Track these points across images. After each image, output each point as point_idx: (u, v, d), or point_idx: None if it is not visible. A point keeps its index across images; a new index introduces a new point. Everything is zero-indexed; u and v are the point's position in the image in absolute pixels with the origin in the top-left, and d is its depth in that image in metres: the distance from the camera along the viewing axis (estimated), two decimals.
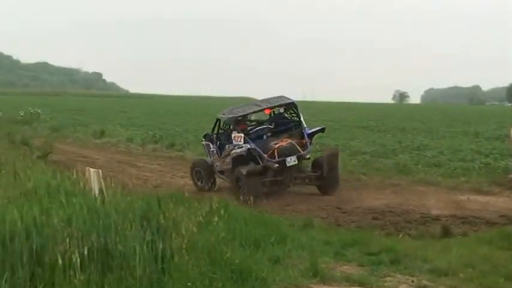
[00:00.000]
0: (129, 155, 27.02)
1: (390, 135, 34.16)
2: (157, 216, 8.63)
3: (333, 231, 12.67)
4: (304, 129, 18.32)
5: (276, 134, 18.43)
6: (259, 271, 8.27)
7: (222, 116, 19.18)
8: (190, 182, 19.42)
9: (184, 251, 8.12)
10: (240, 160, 17.53)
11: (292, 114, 19.03)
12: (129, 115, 55.15)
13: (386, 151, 25.81)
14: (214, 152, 19.09)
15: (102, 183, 9.73)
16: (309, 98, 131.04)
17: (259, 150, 17.21)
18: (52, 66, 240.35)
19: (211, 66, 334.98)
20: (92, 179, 9.76)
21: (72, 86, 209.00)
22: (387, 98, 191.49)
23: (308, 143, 17.95)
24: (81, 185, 10.69)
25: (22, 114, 44.40)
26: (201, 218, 9.98)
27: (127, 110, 63.75)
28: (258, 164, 17.25)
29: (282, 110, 19.10)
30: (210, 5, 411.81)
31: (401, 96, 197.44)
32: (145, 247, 7.84)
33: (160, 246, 7.97)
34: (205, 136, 20.08)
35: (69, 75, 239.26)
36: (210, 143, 19.42)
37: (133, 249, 7.69)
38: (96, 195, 9.43)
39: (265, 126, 19.03)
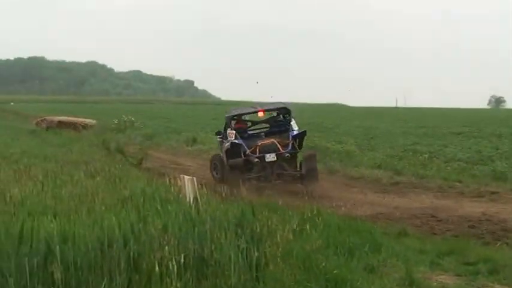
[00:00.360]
0: None
1: (486, 141, 33.23)
2: (251, 224, 8.62)
3: (427, 239, 12.40)
4: (291, 131, 20.30)
5: (269, 134, 21.04)
6: (354, 280, 8.18)
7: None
8: (282, 189, 19.37)
9: (279, 259, 8.10)
10: (231, 154, 19.74)
11: (286, 117, 21.27)
12: (221, 122, 55.39)
13: (482, 158, 25.11)
14: (222, 145, 21.10)
15: (197, 191, 9.79)
16: (401, 105, 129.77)
17: (243, 145, 19.64)
18: (145, 74, 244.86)
19: (303, 73, 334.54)
20: (187, 186, 9.83)
21: (164, 93, 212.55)
22: (483, 103, 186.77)
23: (291, 144, 19.92)
24: (176, 192, 10.82)
25: (116, 122, 45.12)
26: (294, 226, 9.93)
27: (219, 117, 64.20)
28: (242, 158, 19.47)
29: (275, 113, 22.22)
30: (301, 15, 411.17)
31: (498, 101, 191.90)
32: (239, 255, 7.86)
33: (255, 254, 7.97)
34: (218, 133, 22.07)
35: (162, 83, 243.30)
36: (223, 139, 21.30)
37: (228, 257, 7.71)
38: (191, 203, 9.49)
39: (261, 127, 22.15)
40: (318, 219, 11.11)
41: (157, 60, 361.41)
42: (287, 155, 19.56)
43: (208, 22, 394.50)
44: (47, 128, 40.11)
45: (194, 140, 34.85)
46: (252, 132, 21.85)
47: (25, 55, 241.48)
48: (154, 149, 31.67)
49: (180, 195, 10.23)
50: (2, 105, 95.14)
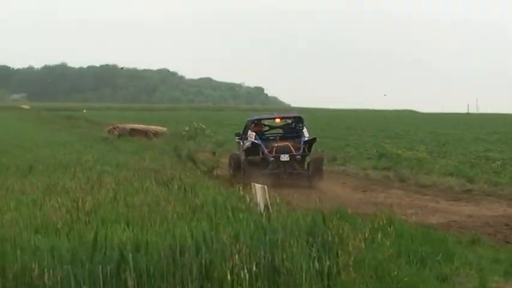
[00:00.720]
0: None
1: None
2: (322, 233, 8.58)
3: (501, 248, 12.10)
4: (303, 137, 23.22)
5: (283, 138, 24.09)
6: None
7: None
8: (353, 197, 19.28)
9: (351, 268, 8.03)
10: (250, 151, 22.92)
11: (299, 125, 24.38)
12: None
13: None
14: (241, 145, 24.47)
15: (268, 199, 9.79)
16: (473, 111, 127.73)
17: (261, 145, 22.75)
18: (215, 81, 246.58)
19: (371, 80, 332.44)
20: (258, 194, 9.84)
21: (234, 100, 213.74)
22: None
23: (302, 148, 22.80)
24: (247, 200, 10.83)
25: (187, 129, 45.40)
26: (366, 234, 9.84)
27: None
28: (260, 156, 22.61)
29: (289, 121, 25.48)
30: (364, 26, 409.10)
31: None
32: (311, 264, 7.82)
33: (327, 263, 7.92)
34: (238, 134, 25.77)
35: (232, 90, 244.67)
36: (241, 140, 24.62)
37: (300, 266, 7.69)
38: (262, 211, 9.49)
39: (277, 132, 25.43)
40: (390, 227, 10.97)
41: (227, 67, 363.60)
42: (298, 156, 22.62)
43: (279, 31, 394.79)
44: (119, 136, 40.66)
45: None
46: (268, 135, 25.03)
47: (97, 63, 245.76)
48: (225, 156, 31.79)
49: (251, 204, 10.23)
50: (75, 113, 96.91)
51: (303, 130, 23.67)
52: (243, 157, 23.26)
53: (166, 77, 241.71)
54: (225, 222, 8.89)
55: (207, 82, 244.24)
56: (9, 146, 31.29)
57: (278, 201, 11.45)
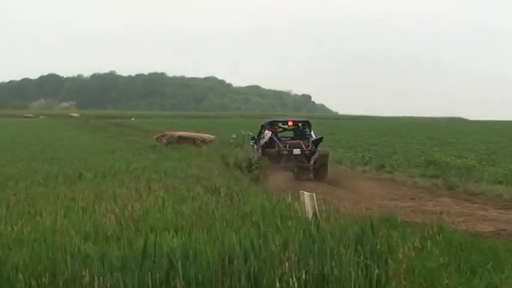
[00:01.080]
0: (338, 177, 26.99)
1: None
2: (371, 241, 8.53)
3: None
4: (311, 138, 27.21)
5: (294, 138, 28.11)
6: None
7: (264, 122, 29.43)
8: (401, 205, 19.13)
9: (401, 276, 7.96)
10: (267, 145, 26.69)
11: (307, 128, 28.28)
12: (338, 137, 55.35)
13: None
14: (255, 148, 28.87)
15: (316, 207, 9.76)
16: None
17: (276, 140, 26.73)
18: (263, 89, 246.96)
19: (422, 86, 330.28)
20: (306, 202, 9.82)
21: (282, 108, 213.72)
22: None
23: (310, 146, 26.63)
24: (296, 208, 10.81)
25: (234, 136, 45.55)
26: (415, 242, 9.74)
27: (336, 132, 64.09)
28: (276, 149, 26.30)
29: (300, 124, 28.99)
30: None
31: None
32: (360, 272, 7.78)
33: (376, 271, 7.86)
34: (252, 138, 30.56)
35: (279, 98, 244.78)
36: (254, 144, 29.38)
37: (349, 274, 7.65)
38: (310, 219, 9.47)
39: (288, 134, 29.41)
40: (439, 236, 10.85)
41: (275, 74, 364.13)
42: (308, 152, 26.49)
43: (326, 38, 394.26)
44: (167, 143, 40.87)
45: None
46: (281, 136, 28.60)
47: (146, 71, 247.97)
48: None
49: (300, 211, 10.22)
50: (123, 121, 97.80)
51: (311, 132, 27.88)
52: (258, 154, 27.12)
53: (214, 85, 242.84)
54: (273, 230, 8.88)
55: (255, 90, 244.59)
56: (59, 153, 31.77)
57: (326, 208, 11.42)
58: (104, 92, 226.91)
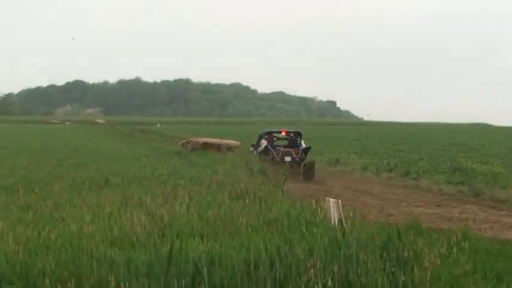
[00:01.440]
0: (363, 184, 26.98)
1: None
2: (397, 248, 8.50)
3: None
4: (301, 146, 31.66)
5: (286, 146, 32.20)
6: None
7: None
8: (427, 211, 19.06)
9: (427, 283, 7.93)
10: (262, 153, 31.48)
11: (298, 138, 32.85)
12: (363, 143, 55.24)
13: None
14: (254, 153, 33.15)
15: (342, 213, 9.75)
16: None
17: (271, 149, 31.26)
18: (288, 95, 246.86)
19: (448, 92, 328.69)
20: (332, 208, 9.81)
21: (307, 114, 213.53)
22: None
23: (300, 153, 30.89)
24: (321, 214, 10.79)
25: None
26: (441, 249, 9.70)
27: (361, 138, 63.94)
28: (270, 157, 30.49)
29: (292, 134, 33.37)
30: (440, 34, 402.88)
31: None
32: (385, 279, 7.75)
33: (402, 278, 7.84)
34: (252, 145, 35.29)
35: (304, 104, 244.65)
36: (254, 150, 33.84)
37: (375, 281, 7.63)
38: (336, 225, 9.46)
39: (282, 143, 33.46)
40: (465, 243, 10.78)
41: (300, 80, 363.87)
42: (297, 159, 30.46)
43: (350, 44, 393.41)
44: (192, 150, 40.95)
45: (337, 161, 34.79)
46: (276, 144, 32.87)
47: (171, 77, 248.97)
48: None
49: (325, 218, 10.20)
50: (149, 127, 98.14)
51: (301, 141, 32.59)
52: (257, 157, 31.17)
53: (238, 91, 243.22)
54: (299, 236, 8.89)
55: (280, 96, 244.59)
56: (85, 159, 31.96)
57: (352, 215, 11.39)
58: (129, 98, 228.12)
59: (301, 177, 28.70)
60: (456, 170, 28.37)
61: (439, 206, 20.52)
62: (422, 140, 60.49)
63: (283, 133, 33.91)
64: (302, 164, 30.02)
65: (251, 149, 34.97)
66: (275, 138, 34.02)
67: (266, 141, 32.39)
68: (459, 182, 25.22)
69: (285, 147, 32.35)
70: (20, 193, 17.51)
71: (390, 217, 17.17)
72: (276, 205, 13.76)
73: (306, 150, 31.50)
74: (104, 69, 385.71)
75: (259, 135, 34.17)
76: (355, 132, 79.62)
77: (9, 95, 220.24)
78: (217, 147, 41.87)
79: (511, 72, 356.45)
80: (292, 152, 31.09)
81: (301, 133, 33.52)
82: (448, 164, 31.75)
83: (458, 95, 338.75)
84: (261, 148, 32.33)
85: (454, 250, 9.96)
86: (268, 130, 34.93)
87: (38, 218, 12.77)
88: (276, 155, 30.84)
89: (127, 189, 17.96)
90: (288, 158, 30.43)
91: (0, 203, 15.67)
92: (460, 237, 11.11)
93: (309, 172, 29.36)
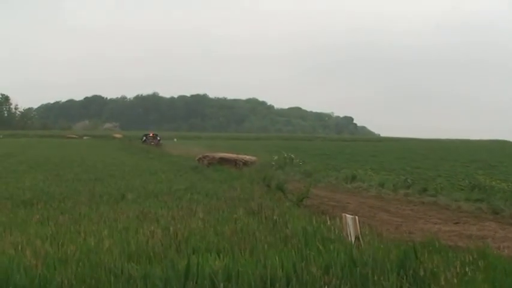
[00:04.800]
0: (380, 200, 26.83)
1: None
2: (414, 266, 8.47)
3: None
4: (157, 139, 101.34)
5: (153, 139, 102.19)
6: None
7: None
8: (444, 229, 18.94)
9: None
10: (144, 142, 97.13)
11: (158, 136, 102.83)
12: (380, 159, 55.09)
13: None
14: (141, 142, 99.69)
15: (359, 230, 9.72)
16: None
17: (147, 139, 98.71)
18: (304, 111, 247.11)
19: (466, 108, 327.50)
20: (348, 225, 9.78)
21: (323, 130, 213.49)
22: None
23: (157, 140, 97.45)
24: (337, 231, 10.77)
25: (276, 158, 45.57)
26: (458, 268, 9.64)
27: (378, 154, 63.79)
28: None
29: (153, 134, 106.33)
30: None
31: None
32: None
33: None
34: (141, 138, 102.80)
35: (321, 120, 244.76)
36: (141, 140, 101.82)
37: None
38: (353, 242, 9.43)
39: (152, 137, 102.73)
40: (483, 261, 10.71)
41: (317, 96, 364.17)
42: (156, 142, 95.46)
43: (368, 59, 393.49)
44: (209, 165, 41.06)
45: (353, 177, 34.64)
46: (149, 137, 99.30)
47: (188, 93, 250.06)
48: (313, 185, 31.68)
49: (342, 234, 10.18)
50: (166, 142, 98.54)
51: (158, 137, 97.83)
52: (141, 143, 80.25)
53: (255, 107, 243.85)
54: (315, 253, 8.87)
55: (297, 112, 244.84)
56: (102, 174, 32.08)
57: (369, 232, 11.37)
58: (146, 113, 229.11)
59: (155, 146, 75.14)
60: (475, 187, 28.16)
61: (457, 223, 20.37)
62: (440, 156, 60.28)
63: (151, 134, 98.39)
64: (158, 144, 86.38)
65: (142, 140, 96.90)
66: (150, 135, 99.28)
67: (145, 137, 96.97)
68: (478, 199, 25.02)
69: (153, 139, 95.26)
70: (39, 207, 17.64)
71: (407, 234, 17.10)
72: (293, 221, 13.75)
73: (160, 139, 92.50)
74: (121, 85, 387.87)
75: (143, 135, 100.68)
76: (372, 149, 79.49)
77: (29, 109, 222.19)
78: (234, 163, 41.98)
79: None
80: (154, 141, 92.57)
81: (158, 134, 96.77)
82: (467, 181, 31.53)
83: (477, 112, 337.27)
84: (144, 139, 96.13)
85: (472, 268, 9.88)
86: (146, 133, 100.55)
87: (56, 232, 12.84)
88: (149, 142, 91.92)
89: (144, 204, 18.03)
90: (152, 143, 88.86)
91: (19, 217, 15.75)
92: (477, 256, 11.04)
93: (158, 145, 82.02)
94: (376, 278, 7.88)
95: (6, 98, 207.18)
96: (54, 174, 31.65)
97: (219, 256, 9.50)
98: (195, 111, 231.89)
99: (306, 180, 34.15)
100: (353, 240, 9.52)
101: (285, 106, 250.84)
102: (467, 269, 9.83)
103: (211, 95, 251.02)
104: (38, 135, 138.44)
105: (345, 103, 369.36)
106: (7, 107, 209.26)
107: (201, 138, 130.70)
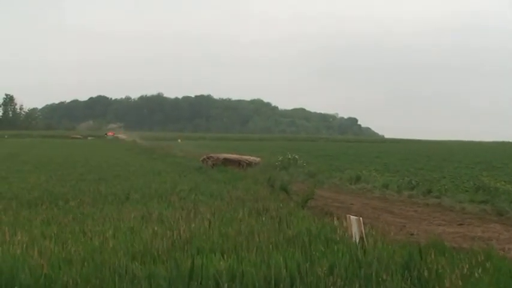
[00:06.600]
0: (384, 201, 26.78)
1: None
2: (418, 267, 8.45)
3: None
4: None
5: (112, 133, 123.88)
6: None
7: None
8: (449, 230, 18.90)
9: None
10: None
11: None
12: (385, 160, 54.99)
13: None
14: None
15: (363, 231, 9.71)
16: None
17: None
18: (309, 112, 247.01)
19: (470, 109, 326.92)
20: (353, 226, 9.77)
21: (327, 131, 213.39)
22: None
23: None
24: (341, 231, 10.75)
25: (280, 159, 45.54)
26: (463, 269, 9.62)
27: (382, 155, 63.71)
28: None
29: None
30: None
31: None
32: None
33: None
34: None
35: (325, 120, 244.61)
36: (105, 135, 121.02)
37: None
38: (357, 243, 9.42)
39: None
40: (488, 263, 10.69)
41: (321, 97, 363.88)
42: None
43: (372, 62, 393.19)
44: (213, 165, 41.02)
45: (358, 178, 34.57)
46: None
47: (192, 94, 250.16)
48: (317, 186, 31.63)
49: (346, 235, 10.17)
50: (170, 143, 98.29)
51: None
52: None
53: (259, 108, 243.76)
54: (319, 253, 8.86)
55: (301, 113, 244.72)
56: (106, 174, 32.09)
57: (373, 233, 11.34)
58: (150, 113, 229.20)
59: None
60: (479, 189, 28.10)
61: (461, 224, 20.33)
62: (444, 158, 60.19)
63: (111, 133, 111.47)
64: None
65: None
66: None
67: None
68: (482, 201, 24.97)
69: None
70: (43, 207, 17.66)
71: (411, 235, 17.06)
72: (297, 222, 13.74)
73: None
74: (126, 85, 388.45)
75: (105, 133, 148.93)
76: (376, 150, 79.37)
77: (34, 110, 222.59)
78: (238, 163, 41.93)
79: None
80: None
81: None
82: (471, 182, 31.48)
83: (481, 113, 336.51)
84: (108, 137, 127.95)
85: (477, 270, 9.86)
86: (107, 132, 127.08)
87: (61, 232, 12.85)
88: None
89: (148, 205, 18.04)
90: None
91: (24, 217, 15.76)
92: (482, 257, 11.02)
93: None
94: (380, 279, 7.87)
95: (11, 98, 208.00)
96: (58, 175, 31.68)
97: (223, 256, 9.49)
98: (200, 112, 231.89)
99: (310, 181, 34.13)
100: (357, 241, 9.51)
101: (289, 107, 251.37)
102: (472, 271, 9.82)
103: (216, 95, 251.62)
104: (42, 136, 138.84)
105: (349, 104, 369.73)
106: (12, 107, 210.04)
107: (205, 139, 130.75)
